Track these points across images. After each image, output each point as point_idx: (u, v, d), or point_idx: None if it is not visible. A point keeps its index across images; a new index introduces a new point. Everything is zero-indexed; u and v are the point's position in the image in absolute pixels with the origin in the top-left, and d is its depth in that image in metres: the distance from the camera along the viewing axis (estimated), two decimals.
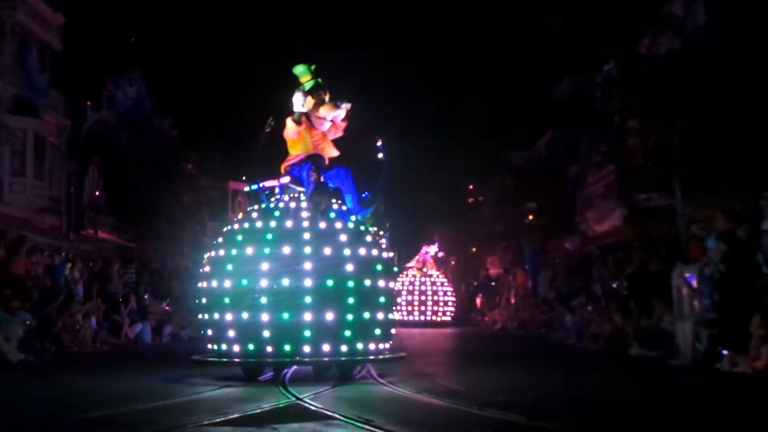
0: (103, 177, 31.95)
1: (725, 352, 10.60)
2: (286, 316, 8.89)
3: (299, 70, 10.42)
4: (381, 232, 10.33)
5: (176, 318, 22.05)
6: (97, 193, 31.24)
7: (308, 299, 8.91)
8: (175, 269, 30.10)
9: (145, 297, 20.43)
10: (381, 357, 9.55)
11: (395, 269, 10.48)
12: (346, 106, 10.31)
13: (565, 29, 18.87)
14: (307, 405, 7.15)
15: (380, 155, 11.80)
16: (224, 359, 9.39)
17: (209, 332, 9.57)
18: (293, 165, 10.22)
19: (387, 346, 9.73)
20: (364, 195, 10.35)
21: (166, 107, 36.33)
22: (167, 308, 21.89)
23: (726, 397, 8.57)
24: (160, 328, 20.26)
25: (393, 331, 9.96)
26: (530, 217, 31.29)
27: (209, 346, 9.68)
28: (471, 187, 41.70)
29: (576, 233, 29.95)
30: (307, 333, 8.89)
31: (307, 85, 10.41)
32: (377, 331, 9.39)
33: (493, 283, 33.94)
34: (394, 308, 9.96)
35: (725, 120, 17.51)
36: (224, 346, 9.32)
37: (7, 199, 25.84)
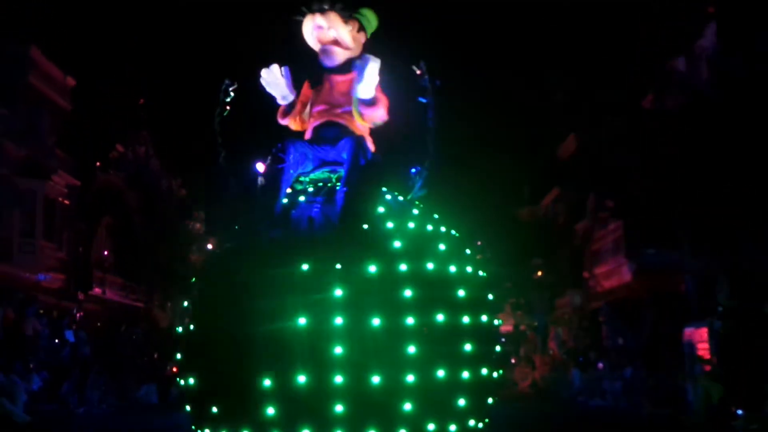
0: (111, 237, 32.08)
1: (740, 412, 10.44)
2: (376, 380, 5.40)
3: (373, 21, 7.02)
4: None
5: None
6: (105, 252, 31.33)
7: (412, 348, 5.48)
8: None
9: (153, 357, 20.34)
10: None
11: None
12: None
13: (565, 88, 19.11)
14: None
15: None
16: None
17: (203, 407, 5.75)
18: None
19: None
20: (413, 170, 6.84)
21: (175, 167, 36.62)
22: (175, 369, 21.78)
23: None
24: (167, 389, 20.11)
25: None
26: (538, 273, 31.19)
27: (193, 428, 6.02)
28: (479, 242, 41.59)
29: (583, 289, 29.76)
30: (408, 406, 5.43)
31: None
32: (490, 399, 6.10)
33: (503, 340, 33.65)
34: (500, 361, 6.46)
35: (730, 174, 17.55)
36: None
37: (17, 259, 25.90)
